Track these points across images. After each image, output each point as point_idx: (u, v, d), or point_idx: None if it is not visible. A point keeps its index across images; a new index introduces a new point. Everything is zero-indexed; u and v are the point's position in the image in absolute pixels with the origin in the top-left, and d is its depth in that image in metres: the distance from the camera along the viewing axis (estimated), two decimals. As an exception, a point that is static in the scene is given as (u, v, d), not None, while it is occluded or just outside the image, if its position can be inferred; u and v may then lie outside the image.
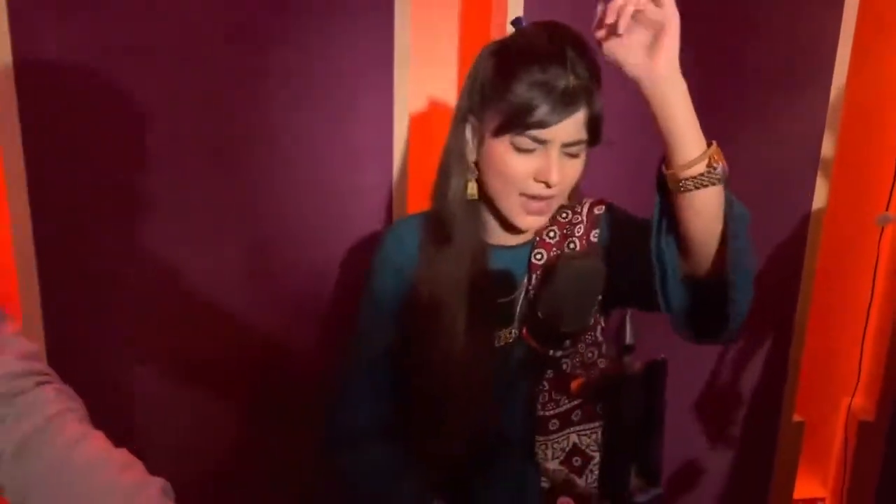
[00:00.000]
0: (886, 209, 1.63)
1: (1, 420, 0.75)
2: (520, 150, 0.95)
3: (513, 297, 1.07)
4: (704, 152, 0.86)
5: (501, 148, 0.97)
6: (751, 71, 1.45)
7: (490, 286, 1.07)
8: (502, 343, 1.07)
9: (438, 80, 1.55)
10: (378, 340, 1.14)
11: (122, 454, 0.77)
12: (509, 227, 1.06)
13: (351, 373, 1.15)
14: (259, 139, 1.31)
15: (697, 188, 0.86)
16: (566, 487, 0.75)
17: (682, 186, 0.86)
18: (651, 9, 0.81)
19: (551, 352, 0.81)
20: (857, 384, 1.74)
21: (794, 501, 2.16)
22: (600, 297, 0.93)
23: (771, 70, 1.45)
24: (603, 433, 0.65)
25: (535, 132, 0.93)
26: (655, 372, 0.62)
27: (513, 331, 1.06)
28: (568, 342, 0.80)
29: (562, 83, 0.91)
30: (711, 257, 0.90)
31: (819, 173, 1.51)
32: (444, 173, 1.08)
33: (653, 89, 0.84)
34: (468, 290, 1.06)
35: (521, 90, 0.93)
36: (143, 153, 1.25)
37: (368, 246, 1.39)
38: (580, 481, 0.95)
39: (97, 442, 0.77)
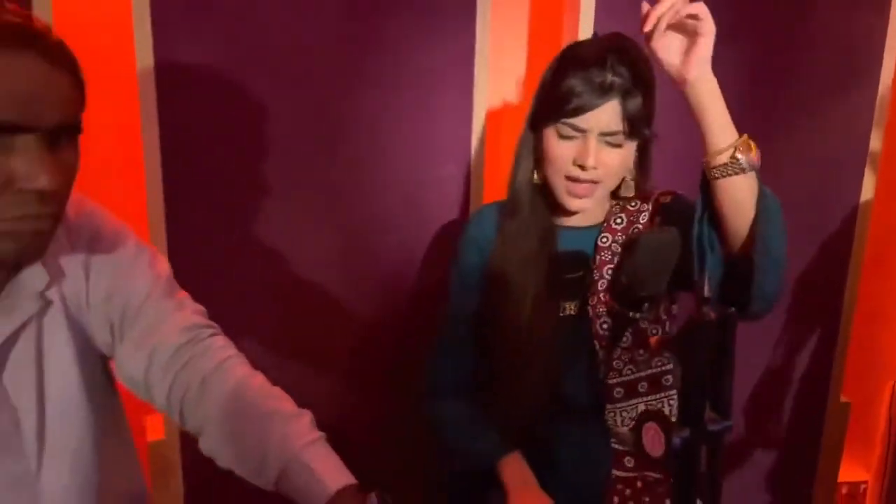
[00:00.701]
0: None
1: (187, 362, 0.92)
2: (562, 136, 1.12)
3: (580, 273, 1.22)
4: (731, 143, 0.99)
5: (549, 135, 1.14)
6: (804, 72, 1.57)
7: (558, 263, 1.22)
8: (566, 314, 1.22)
9: (510, 82, 1.70)
10: (465, 310, 1.30)
11: (279, 390, 0.94)
12: (575, 212, 1.22)
13: (444, 337, 1.33)
14: (354, 136, 1.47)
15: (724, 176, 0.99)
16: (650, 416, 0.88)
17: (712, 174, 0.99)
18: (688, 22, 0.95)
19: (632, 314, 0.95)
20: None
21: (839, 484, 2.25)
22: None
23: (822, 71, 1.57)
24: (682, 372, 0.78)
25: (572, 119, 1.10)
26: (728, 320, 0.76)
27: (577, 304, 1.22)
28: (647, 305, 0.94)
29: (598, 78, 1.08)
30: (743, 241, 1.02)
31: (867, 167, 1.62)
32: (515, 162, 1.25)
33: (686, 87, 0.98)
34: (537, 266, 1.22)
35: (565, 84, 1.10)
36: (258, 147, 1.43)
37: (448, 231, 1.55)
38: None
39: (260, 379, 0.94)
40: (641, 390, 1.15)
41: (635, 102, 1.09)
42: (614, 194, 1.24)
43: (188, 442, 1.18)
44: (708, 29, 0.96)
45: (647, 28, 0.96)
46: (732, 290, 1.05)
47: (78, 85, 0.78)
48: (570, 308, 1.22)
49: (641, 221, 1.21)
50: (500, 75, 1.63)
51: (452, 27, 1.46)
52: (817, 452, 1.82)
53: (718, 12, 1.37)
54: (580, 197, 1.15)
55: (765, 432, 1.78)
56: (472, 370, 1.32)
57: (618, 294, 0.95)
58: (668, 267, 0.89)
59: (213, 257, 1.42)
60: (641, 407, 1.13)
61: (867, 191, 1.63)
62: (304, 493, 0.86)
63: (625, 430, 1.22)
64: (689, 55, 0.97)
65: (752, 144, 0.99)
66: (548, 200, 1.24)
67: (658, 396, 1.17)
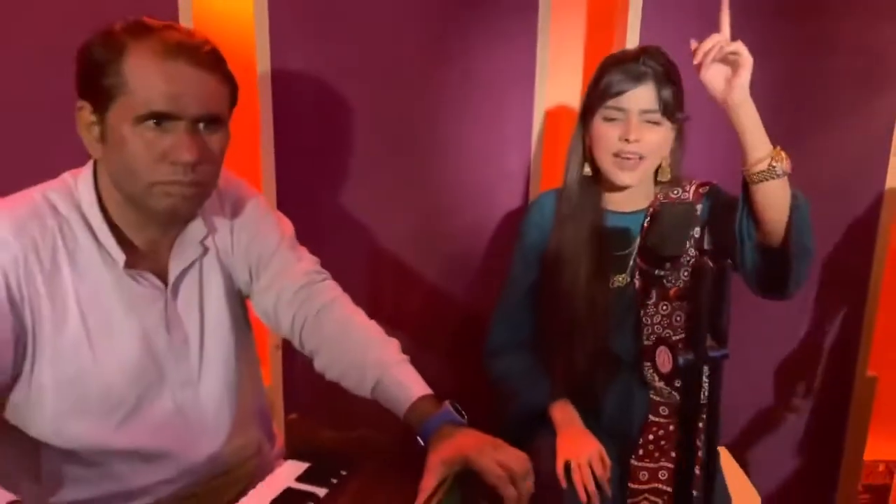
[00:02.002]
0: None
1: (305, 299, 1.20)
2: (607, 119, 1.36)
3: (628, 251, 1.44)
4: (767, 153, 1.21)
5: (597, 122, 1.38)
6: (831, 76, 1.75)
7: (608, 242, 1.45)
8: (616, 286, 1.45)
9: (567, 87, 1.93)
10: (524, 281, 1.54)
11: (374, 322, 1.20)
12: (623, 198, 1.44)
13: (505, 303, 1.57)
14: (431, 134, 1.73)
15: (762, 181, 1.21)
16: (662, 342, 1.10)
17: (751, 179, 1.21)
18: (730, 57, 1.17)
19: (657, 271, 1.17)
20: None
21: (868, 462, 2.39)
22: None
23: (848, 75, 1.75)
24: (688, 309, 1.01)
25: (614, 101, 1.33)
26: (723, 269, 0.98)
27: (626, 276, 1.44)
28: (668, 264, 1.16)
29: (633, 68, 1.32)
30: (780, 234, 1.24)
31: (891, 158, 1.79)
32: (568, 159, 1.49)
33: (729, 109, 1.20)
34: (589, 245, 1.45)
35: (606, 78, 1.34)
36: (352, 141, 1.71)
37: (510, 215, 1.80)
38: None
39: (361, 314, 1.21)
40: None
41: (668, 88, 1.33)
42: (656, 182, 1.47)
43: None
44: (746, 62, 1.19)
45: (697, 61, 1.19)
46: (769, 275, 1.29)
47: (225, 84, 1.05)
48: (619, 280, 1.45)
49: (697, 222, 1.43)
50: (559, 82, 1.86)
51: (517, 40, 1.70)
52: (845, 425, 1.97)
53: (756, 24, 1.61)
54: (627, 170, 1.37)
55: (793, 405, 1.95)
56: (529, 332, 1.56)
57: (645, 256, 1.17)
58: (685, 233, 1.11)
59: (315, 230, 1.70)
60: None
61: (892, 179, 1.80)
62: (394, 399, 1.12)
63: (661, 383, 1.44)
64: (731, 83, 1.20)
65: (784, 154, 1.22)
66: (597, 188, 1.48)
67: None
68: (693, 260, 1.32)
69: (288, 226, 1.26)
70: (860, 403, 1.95)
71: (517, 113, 1.75)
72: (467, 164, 1.77)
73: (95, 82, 0.98)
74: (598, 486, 1.37)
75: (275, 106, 1.63)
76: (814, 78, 1.75)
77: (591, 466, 1.38)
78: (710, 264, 0.99)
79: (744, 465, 1.73)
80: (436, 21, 1.67)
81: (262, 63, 1.61)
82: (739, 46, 1.19)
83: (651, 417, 1.46)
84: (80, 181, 1.09)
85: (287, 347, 1.75)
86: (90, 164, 1.10)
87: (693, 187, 1.44)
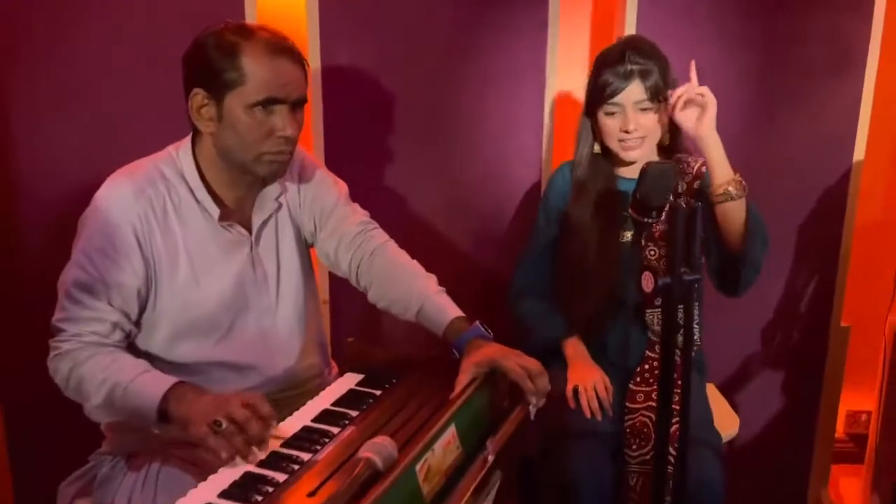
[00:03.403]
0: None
1: (360, 243, 1.49)
2: (608, 114, 1.65)
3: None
4: (727, 179, 1.55)
5: (600, 117, 1.67)
6: (804, 62, 2.01)
7: (618, 202, 1.71)
8: (625, 240, 1.72)
9: (574, 77, 2.20)
10: (546, 236, 1.82)
11: (416, 261, 1.48)
12: (633, 168, 1.71)
13: (526, 255, 1.85)
14: (458, 118, 2.01)
15: (721, 202, 1.56)
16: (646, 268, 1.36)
17: (713, 199, 1.56)
18: (698, 99, 1.51)
19: (646, 219, 1.44)
20: (893, 296, 2.23)
21: (851, 413, 2.64)
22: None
23: (819, 61, 2.01)
24: (667, 245, 1.28)
25: (611, 101, 1.62)
26: (694, 211, 1.25)
27: (633, 233, 1.71)
28: (654, 213, 1.42)
29: (620, 69, 1.59)
30: (737, 245, 1.59)
31: (858, 132, 2.04)
32: (578, 139, 1.77)
33: (698, 141, 1.56)
34: (603, 207, 1.72)
35: (600, 80, 1.63)
36: (390, 124, 1.99)
37: (525, 184, 2.07)
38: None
39: (406, 256, 1.49)
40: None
41: (653, 78, 1.60)
42: (662, 151, 1.73)
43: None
44: (711, 102, 1.55)
45: (672, 103, 1.57)
46: (725, 276, 1.67)
47: (305, 75, 1.35)
48: (628, 236, 1.73)
49: (686, 181, 1.71)
50: (567, 71, 2.13)
51: (529, 35, 1.97)
52: (822, 372, 2.23)
53: (736, 20, 1.90)
54: (631, 150, 1.67)
55: (774, 354, 2.21)
56: (547, 278, 1.83)
57: (635, 206, 1.43)
58: (669, 185, 1.36)
59: (359, 201, 1.99)
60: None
61: (858, 153, 2.06)
62: (434, 321, 1.40)
63: (659, 327, 1.71)
64: (700, 120, 1.56)
65: (741, 180, 1.57)
66: (608, 161, 1.75)
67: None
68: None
69: (343, 186, 1.55)
70: (835, 351, 2.21)
71: (530, 99, 2.03)
72: (488, 144, 2.05)
73: (215, 75, 1.26)
74: (601, 406, 1.65)
75: (324, 92, 1.92)
76: (787, 66, 2.01)
77: (595, 391, 1.66)
78: (683, 206, 1.26)
79: (731, 407, 1.98)
80: (461, 20, 1.95)
81: (314, 56, 1.90)
82: (705, 90, 1.55)
83: (647, 353, 1.73)
84: (181, 152, 1.38)
85: (333, 303, 2.04)
86: (188, 139, 1.39)
87: (697, 164, 1.72)
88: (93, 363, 1.25)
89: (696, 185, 1.71)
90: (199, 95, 1.29)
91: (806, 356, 2.23)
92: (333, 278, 1.98)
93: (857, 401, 2.64)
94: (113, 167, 1.37)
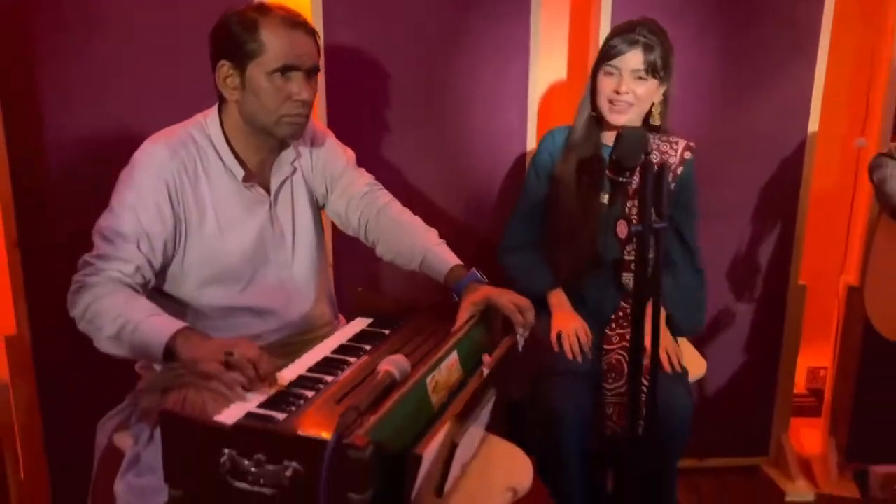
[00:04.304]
0: (861, 135, 2.36)
1: (368, 202, 1.66)
2: (606, 73, 1.82)
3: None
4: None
5: (600, 76, 1.84)
6: (763, 44, 2.21)
7: (602, 166, 1.88)
8: (604, 201, 1.91)
9: (555, 59, 2.40)
10: (535, 194, 2.00)
11: (419, 218, 1.67)
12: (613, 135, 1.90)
13: (516, 211, 2.03)
14: (451, 95, 2.19)
15: None
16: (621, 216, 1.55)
17: None
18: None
19: (621, 179, 1.63)
20: (844, 258, 2.46)
21: (812, 369, 2.86)
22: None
23: (777, 42, 2.21)
24: (639, 197, 1.47)
25: (612, 61, 1.79)
26: (662, 165, 1.44)
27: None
28: (628, 173, 1.61)
29: (628, 36, 1.77)
30: None
31: (812, 106, 2.25)
32: (580, 103, 1.94)
33: None
34: (588, 168, 1.90)
35: (609, 43, 1.81)
36: (389, 102, 2.17)
37: (511, 155, 2.25)
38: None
39: (410, 213, 1.67)
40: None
41: (654, 54, 1.79)
42: (648, 126, 1.92)
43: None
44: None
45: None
46: None
47: (318, 47, 1.52)
48: (607, 198, 1.90)
49: (671, 163, 1.90)
50: (549, 54, 2.31)
51: (515, 21, 2.15)
52: (782, 325, 2.45)
53: (702, 5, 2.09)
54: (617, 113, 1.84)
55: (738, 311, 2.42)
56: (535, 235, 2.01)
57: (611, 167, 1.62)
58: (641, 149, 1.55)
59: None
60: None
61: (813, 125, 2.28)
62: (436, 269, 1.58)
63: (631, 283, 1.91)
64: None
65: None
66: (599, 128, 1.92)
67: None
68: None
69: (350, 152, 1.73)
70: (793, 308, 2.43)
71: (516, 79, 2.21)
72: (478, 120, 2.23)
73: (238, 48, 1.43)
74: (582, 350, 1.85)
75: (326, 71, 2.09)
76: (748, 47, 2.22)
77: (577, 336, 1.86)
78: (653, 162, 1.46)
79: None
80: (452, 6, 2.13)
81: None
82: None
83: (622, 303, 1.93)
84: (208, 120, 1.54)
85: (336, 265, 2.21)
86: (215, 107, 1.55)
87: (680, 148, 1.91)
88: (111, 299, 1.37)
89: (679, 171, 1.91)
90: (224, 66, 1.46)
91: (767, 313, 2.44)
92: (336, 243, 2.16)
93: (817, 358, 2.87)
94: (135, 139, 1.52)
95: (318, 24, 2.06)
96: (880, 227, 2.02)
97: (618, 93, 1.82)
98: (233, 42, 1.44)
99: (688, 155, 1.91)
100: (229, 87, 1.47)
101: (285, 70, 1.44)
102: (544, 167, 1.98)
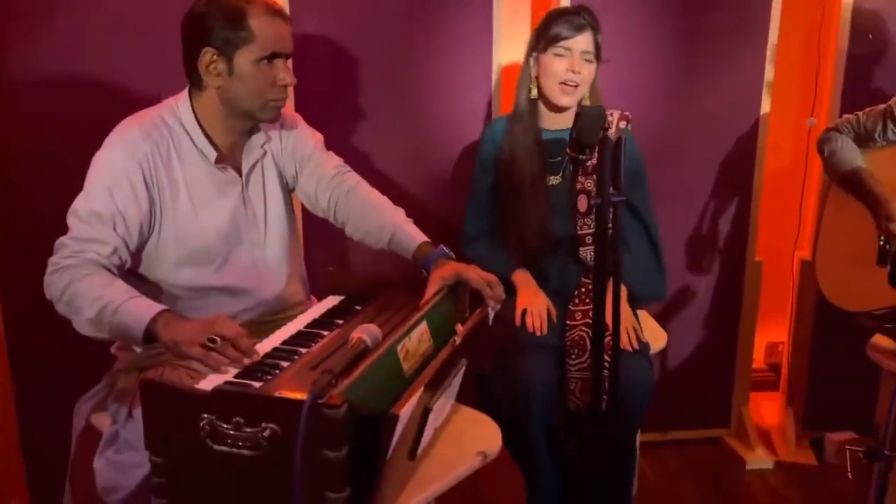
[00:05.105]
0: (812, 115, 2.46)
1: (337, 184, 1.71)
2: (557, 55, 1.89)
3: (558, 158, 1.98)
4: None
5: (549, 58, 1.90)
6: (715, 28, 2.30)
7: (545, 151, 1.98)
8: (552, 184, 1.99)
9: (517, 43, 2.45)
10: (484, 183, 2.07)
11: (386, 198, 1.72)
12: (557, 118, 1.96)
13: (470, 203, 2.10)
14: (416, 79, 2.24)
15: None
16: (581, 192, 1.61)
17: None
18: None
19: (581, 156, 1.69)
20: (798, 234, 2.56)
21: (771, 344, 2.97)
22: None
23: (728, 26, 2.30)
24: (597, 172, 1.53)
25: (564, 43, 1.86)
26: (620, 139, 1.50)
27: (559, 177, 1.98)
28: (587, 150, 1.67)
29: (577, 20, 1.85)
30: None
31: (763, 88, 2.35)
32: (518, 86, 2.01)
33: None
34: (532, 154, 1.98)
35: (556, 26, 1.88)
36: (356, 87, 2.21)
37: (474, 138, 2.29)
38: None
39: (378, 193, 1.72)
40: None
41: (599, 36, 1.88)
42: (579, 105, 1.99)
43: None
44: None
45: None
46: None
47: (292, 33, 1.56)
48: (554, 180, 2.00)
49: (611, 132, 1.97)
50: (511, 39, 2.37)
51: (477, 7, 2.21)
52: (740, 302, 2.55)
53: None
54: (567, 95, 1.92)
55: (696, 287, 2.52)
56: (491, 222, 2.08)
57: (572, 145, 1.69)
58: (598, 126, 1.62)
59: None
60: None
61: (765, 106, 2.37)
62: (405, 246, 1.63)
63: (592, 262, 1.98)
64: None
65: None
66: (539, 112, 2.00)
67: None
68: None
69: (319, 136, 1.77)
70: (750, 283, 2.53)
71: (479, 63, 2.27)
72: (442, 104, 2.29)
73: (226, 36, 1.47)
74: (550, 324, 1.91)
75: (294, 57, 2.12)
76: (701, 31, 2.30)
77: (542, 312, 1.92)
78: (610, 136, 1.53)
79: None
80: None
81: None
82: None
83: (583, 280, 2.01)
84: (180, 104, 1.58)
85: (307, 247, 2.25)
86: (185, 93, 1.59)
87: (616, 118, 1.98)
88: (89, 280, 1.39)
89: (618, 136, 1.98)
90: (208, 54, 1.50)
91: (725, 289, 2.54)
92: (306, 225, 2.20)
93: (776, 333, 2.98)
94: (106, 124, 1.55)
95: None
96: (830, 200, 2.12)
97: (572, 72, 1.89)
98: (218, 31, 1.48)
99: (623, 124, 1.99)
100: (213, 74, 1.52)
101: (272, 57, 1.51)
102: (488, 157, 2.06)
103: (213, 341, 1.28)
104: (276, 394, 1.11)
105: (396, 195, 2.23)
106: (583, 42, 1.88)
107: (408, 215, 1.73)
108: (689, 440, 2.66)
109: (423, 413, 1.24)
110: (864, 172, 1.98)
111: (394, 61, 2.23)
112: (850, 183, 2.01)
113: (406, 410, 1.12)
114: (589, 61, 1.90)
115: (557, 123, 2.00)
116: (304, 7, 2.12)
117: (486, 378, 2.00)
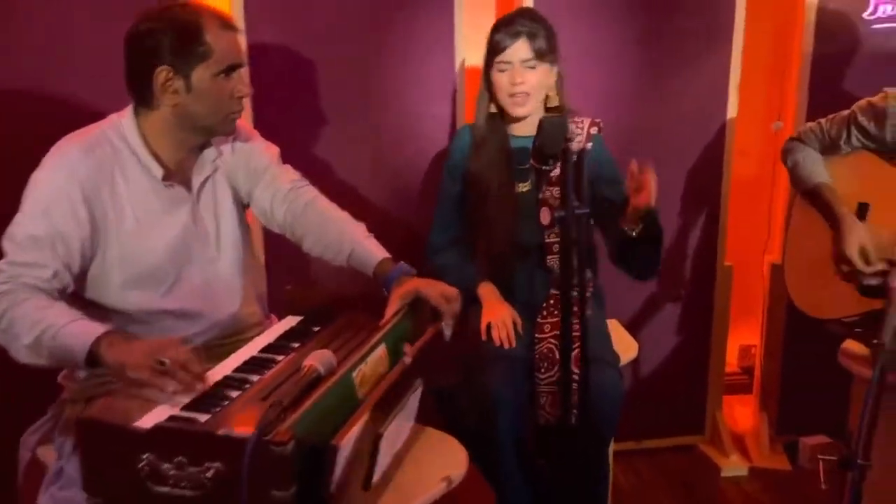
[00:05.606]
0: (778, 119, 2.44)
1: (294, 198, 1.64)
2: (500, 71, 1.86)
3: (527, 165, 1.93)
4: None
5: (494, 74, 1.88)
6: (680, 31, 2.27)
7: (512, 158, 1.94)
8: (521, 191, 1.94)
9: (481, 49, 2.41)
10: (451, 193, 2.03)
11: (346, 213, 1.65)
12: (524, 125, 1.92)
13: (437, 213, 2.05)
14: (377, 87, 2.19)
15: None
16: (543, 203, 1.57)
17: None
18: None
19: (544, 167, 1.65)
20: (767, 238, 2.54)
21: (743, 347, 2.95)
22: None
23: (693, 29, 2.27)
24: (560, 184, 1.49)
25: (500, 56, 1.84)
26: (582, 151, 1.46)
27: (527, 184, 1.94)
28: (551, 161, 1.63)
29: (510, 29, 1.82)
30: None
31: (730, 93, 2.32)
32: (477, 101, 1.98)
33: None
34: (499, 162, 1.94)
35: (493, 39, 1.85)
36: (318, 96, 2.15)
37: (439, 146, 2.26)
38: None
39: (337, 207, 1.66)
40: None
41: (538, 40, 1.83)
42: (547, 110, 1.95)
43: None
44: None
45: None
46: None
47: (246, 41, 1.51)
48: (522, 187, 1.96)
49: (577, 140, 1.92)
50: (475, 46, 2.32)
51: (438, 13, 2.16)
52: (712, 308, 2.52)
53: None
54: (519, 105, 1.88)
55: (669, 293, 2.48)
56: (459, 232, 2.04)
57: (535, 155, 1.64)
58: (562, 135, 1.57)
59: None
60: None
61: (731, 111, 2.35)
62: (365, 263, 1.57)
63: (559, 270, 1.94)
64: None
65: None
66: (502, 121, 1.95)
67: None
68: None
69: (275, 148, 1.71)
70: (721, 288, 2.50)
71: (442, 70, 2.22)
72: (406, 111, 2.23)
73: (183, 52, 1.42)
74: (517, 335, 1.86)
75: (251, 68, 2.05)
76: (665, 35, 2.28)
77: (508, 324, 1.87)
78: (572, 149, 1.48)
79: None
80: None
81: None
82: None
83: (551, 290, 1.96)
84: (124, 121, 1.51)
85: (269, 264, 2.18)
86: (129, 109, 1.52)
87: (586, 125, 1.94)
88: (28, 305, 1.33)
89: (587, 146, 1.94)
90: (163, 73, 1.44)
91: (697, 294, 2.51)
92: (267, 241, 2.13)
93: (749, 336, 2.96)
94: (44, 141, 1.47)
95: (239, 21, 2.03)
96: (796, 207, 2.09)
97: (514, 84, 1.85)
98: (172, 48, 1.42)
99: (594, 130, 1.96)
100: (169, 92, 1.45)
101: (230, 70, 1.47)
102: (456, 166, 2.02)
103: (163, 364, 1.22)
104: (220, 431, 1.05)
105: (361, 206, 2.21)
106: (520, 51, 1.85)
107: (372, 225, 1.67)
108: (663, 448, 2.63)
109: (374, 439, 1.19)
110: (826, 190, 1.97)
111: (354, 68, 2.17)
112: (813, 199, 2.01)
113: (348, 440, 1.06)
114: (532, 68, 1.86)
115: (524, 130, 1.96)
116: (261, 14, 2.05)
117: (447, 394, 1.95)
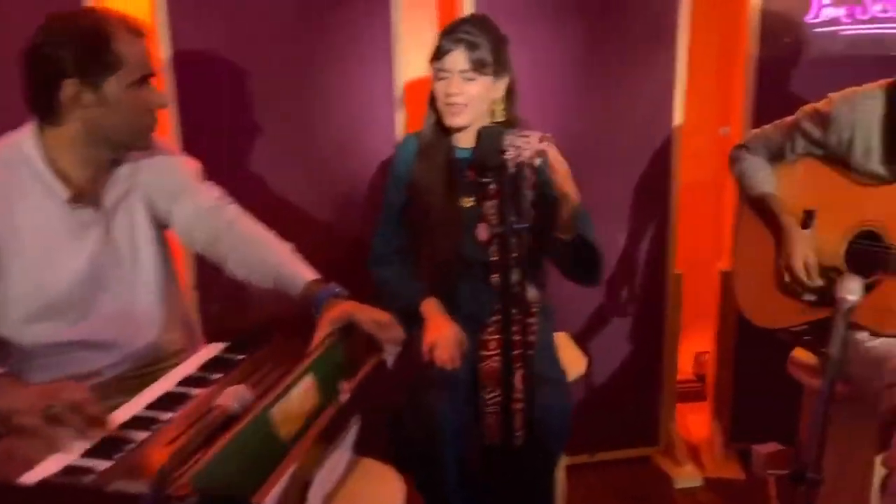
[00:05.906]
0: (726, 123, 2.41)
1: (217, 216, 1.53)
2: (438, 78, 1.79)
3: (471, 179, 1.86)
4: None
5: (434, 81, 1.80)
6: (625, 33, 2.22)
7: (456, 171, 1.86)
8: (466, 205, 1.86)
9: (421, 57, 2.33)
10: (395, 204, 1.94)
11: (272, 233, 1.55)
12: (467, 137, 1.84)
13: (380, 224, 1.97)
14: (315, 94, 2.09)
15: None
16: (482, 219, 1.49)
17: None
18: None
19: (483, 180, 1.57)
20: (717, 245, 2.51)
21: (698, 354, 2.92)
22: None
23: (638, 31, 2.22)
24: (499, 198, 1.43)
25: (438, 63, 1.76)
26: (521, 166, 1.39)
27: (472, 198, 1.86)
28: (490, 173, 1.56)
29: (452, 36, 1.74)
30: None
31: (675, 101, 2.28)
32: (427, 112, 1.89)
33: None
34: (442, 174, 1.86)
35: (437, 44, 1.77)
36: (248, 105, 2.04)
37: (381, 153, 2.16)
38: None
39: (262, 227, 1.55)
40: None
41: (479, 51, 1.75)
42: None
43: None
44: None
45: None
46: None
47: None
48: (466, 202, 1.87)
49: (526, 156, 1.84)
50: (417, 52, 2.24)
51: (376, 16, 2.07)
52: (663, 315, 2.48)
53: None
54: (455, 115, 1.80)
55: (619, 302, 2.44)
56: (402, 244, 1.95)
57: (474, 168, 1.57)
58: (500, 145, 1.50)
59: (218, 179, 2.01)
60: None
61: (678, 118, 2.30)
62: (292, 284, 1.47)
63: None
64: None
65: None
66: (446, 132, 1.87)
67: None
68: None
69: (194, 164, 1.60)
70: (672, 295, 2.46)
71: (382, 76, 2.13)
72: (346, 122, 2.14)
73: (91, 63, 1.32)
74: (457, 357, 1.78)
75: (177, 76, 1.95)
76: (606, 37, 2.21)
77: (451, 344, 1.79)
78: (510, 163, 1.41)
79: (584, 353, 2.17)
80: (312, 4, 2.03)
81: (163, 39, 1.92)
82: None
83: (498, 306, 1.88)
84: (24, 139, 1.39)
85: (201, 285, 2.07)
86: (28, 127, 1.40)
87: (535, 139, 1.86)
88: None
89: (536, 162, 1.86)
90: (70, 86, 1.32)
91: (647, 303, 2.46)
92: (200, 262, 2.01)
93: (703, 343, 2.92)
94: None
95: (163, 27, 1.92)
96: (743, 216, 2.06)
97: (449, 94, 1.78)
98: (78, 59, 1.31)
99: (543, 145, 1.88)
100: (81, 106, 1.34)
101: (143, 80, 1.38)
102: (400, 177, 1.93)
103: (52, 408, 1.11)
104: (114, 486, 0.94)
105: (299, 219, 2.12)
106: (458, 60, 1.76)
107: (311, 236, 1.60)
108: (616, 461, 2.57)
109: (302, 487, 1.09)
110: (772, 200, 1.94)
111: (288, 75, 2.07)
112: (759, 209, 1.98)
113: (273, 496, 0.96)
114: (470, 79, 1.78)
115: (468, 141, 1.88)
116: (186, 19, 1.94)
117: (397, 419, 1.86)
